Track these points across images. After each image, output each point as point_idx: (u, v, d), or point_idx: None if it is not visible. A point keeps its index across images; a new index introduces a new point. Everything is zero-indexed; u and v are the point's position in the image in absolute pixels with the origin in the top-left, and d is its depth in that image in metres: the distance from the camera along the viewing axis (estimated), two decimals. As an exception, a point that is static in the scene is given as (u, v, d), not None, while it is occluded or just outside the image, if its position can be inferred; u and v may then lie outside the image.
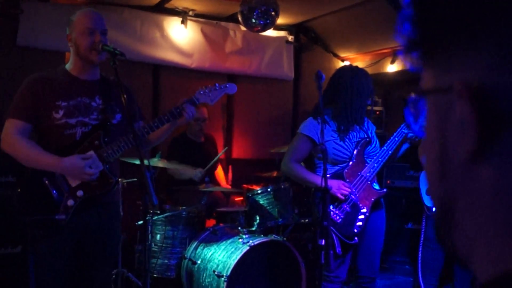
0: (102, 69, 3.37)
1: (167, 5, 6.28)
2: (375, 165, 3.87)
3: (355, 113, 3.85)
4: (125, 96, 2.94)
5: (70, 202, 3.07)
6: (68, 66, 3.26)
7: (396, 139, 3.88)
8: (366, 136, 3.94)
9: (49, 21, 5.69)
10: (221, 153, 5.93)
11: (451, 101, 0.60)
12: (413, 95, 0.71)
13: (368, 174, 3.86)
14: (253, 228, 4.70)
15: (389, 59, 6.94)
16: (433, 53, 0.65)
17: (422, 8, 0.64)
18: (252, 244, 4.33)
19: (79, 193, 3.09)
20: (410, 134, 3.88)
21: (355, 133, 3.91)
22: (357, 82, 3.84)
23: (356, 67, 4.02)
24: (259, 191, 4.91)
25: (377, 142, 4.01)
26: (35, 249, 3.16)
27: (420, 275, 5.03)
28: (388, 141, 3.89)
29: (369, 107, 4.02)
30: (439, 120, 0.64)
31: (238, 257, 4.24)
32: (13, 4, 5.62)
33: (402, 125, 3.91)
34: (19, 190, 3.11)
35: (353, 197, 3.80)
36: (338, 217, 3.78)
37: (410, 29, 0.66)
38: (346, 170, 3.84)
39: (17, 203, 3.09)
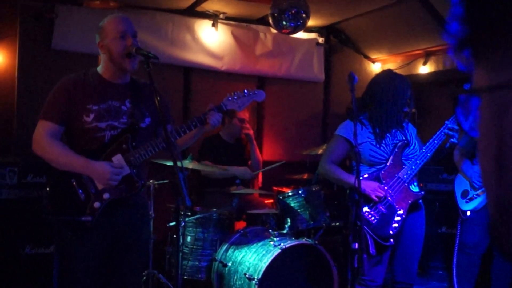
0: (134, 71, 3.37)
1: (198, 8, 6.32)
2: (413, 167, 3.83)
3: (390, 119, 3.82)
4: (158, 98, 2.93)
5: (97, 204, 3.07)
6: (99, 69, 3.26)
7: (436, 142, 3.83)
8: (404, 138, 3.90)
9: (83, 25, 5.79)
10: (275, 165, 5.91)
11: (508, 98, 0.58)
12: (463, 93, 0.69)
13: (405, 176, 3.81)
14: (284, 231, 4.68)
15: (421, 60, 6.88)
16: (486, 51, 0.63)
17: (473, 5, 0.62)
18: (284, 247, 4.31)
19: (106, 195, 3.09)
20: (451, 140, 3.82)
21: (392, 136, 3.87)
22: (393, 89, 3.81)
23: (394, 73, 3.98)
24: (290, 194, 4.89)
25: (417, 144, 3.96)
26: (63, 250, 3.18)
27: (455, 280, 4.95)
28: (427, 144, 3.85)
29: (408, 110, 3.98)
30: (496, 118, 0.62)
31: (270, 260, 4.23)
32: (48, 8, 5.73)
33: (441, 128, 3.85)
34: (47, 190, 3.13)
35: (389, 198, 3.77)
36: (373, 218, 3.73)
37: (461, 27, 0.64)
38: (382, 172, 3.81)
39: (46, 203, 3.11)
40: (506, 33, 0.59)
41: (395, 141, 3.86)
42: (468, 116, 0.68)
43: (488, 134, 0.63)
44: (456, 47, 0.66)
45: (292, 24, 5.64)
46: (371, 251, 3.66)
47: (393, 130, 3.88)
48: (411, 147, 3.92)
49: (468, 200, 4.82)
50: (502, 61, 0.60)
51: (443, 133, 3.83)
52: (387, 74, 3.97)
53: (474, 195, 4.76)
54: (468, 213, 4.81)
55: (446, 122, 3.85)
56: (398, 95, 3.82)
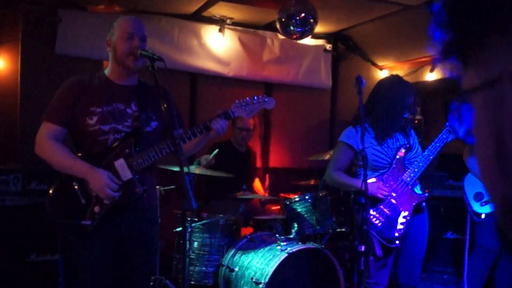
0: (142, 75, 3.35)
1: (205, 13, 6.30)
2: (416, 170, 3.88)
3: (391, 122, 3.87)
4: (165, 105, 2.85)
5: (97, 209, 3.03)
6: (106, 71, 3.24)
7: (438, 144, 3.87)
8: (406, 142, 3.92)
9: (87, 30, 5.79)
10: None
11: (502, 92, 0.59)
12: (455, 99, 0.71)
13: (408, 178, 3.87)
14: (291, 236, 4.66)
15: (428, 68, 6.87)
16: (472, 52, 0.64)
17: (455, 9, 0.65)
18: (291, 251, 4.29)
19: (106, 200, 3.06)
20: (451, 138, 3.85)
21: (394, 140, 3.90)
22: (394, 93, 3.87)
23: (398, 78, 4.02)
24: (297, 199, 4.88)
25: (419, 149, 3.99)
26: (67, 254, 3.14)
27: (465, 283, 4.93)
28: (429, 146, 3.89)
29: (410, 116, 3.99)
30: (492, 114, 0.62)
31: (276, 264, 4.21)
32: (52, 12, 5.72)
33: (443, 131, 3.87)
34: (49, 192, 3.11)
35: (393, 201, 3.79)
36: (378, 221, 3.78)
37: (445, 33, 0.67)
38: (386, 175, 3.85)
39: (47, 205, 3.09)
40: (490, 31, 0.61)
41: (397, 145, 3.88)
42: (462, 123, 0.68)
43: (484, 132, 0.63)
44: (442, 55, 0.68)
45: (299, 30, 5.63)
46: (377, 253, 3.69)
47: (396, 134, 3.91)
48: (414, 151, 3.96)
49: (483, 203, 4.77)
50: (489, 56, 0.62)
51: (443, 137, 3.85)
52: (390, 79, 4.06)
53: (491, 198, 4.73)
54: (483, 216, 4.77)
55: (446, 124, 3.88)
56: (398, 98, 3.85)
